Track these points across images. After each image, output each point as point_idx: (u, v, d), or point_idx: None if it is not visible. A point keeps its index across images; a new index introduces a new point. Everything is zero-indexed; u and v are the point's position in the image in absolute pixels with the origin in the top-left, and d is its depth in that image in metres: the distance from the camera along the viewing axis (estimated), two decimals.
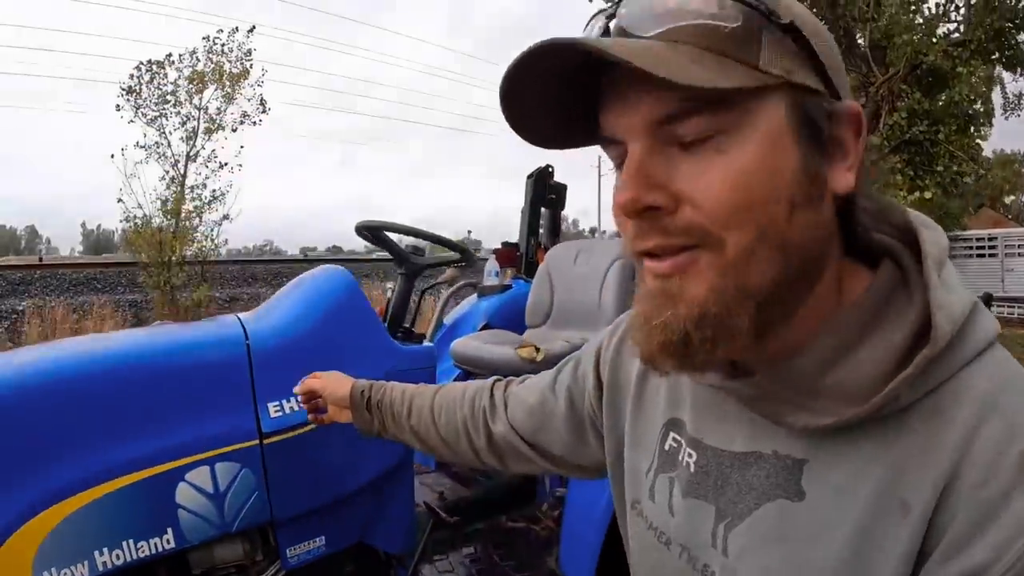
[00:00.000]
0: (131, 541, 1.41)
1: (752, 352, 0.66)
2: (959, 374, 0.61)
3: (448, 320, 3.30)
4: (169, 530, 1.46)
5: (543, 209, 3.84)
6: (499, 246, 3.79)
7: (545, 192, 3.75)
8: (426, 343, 2.12)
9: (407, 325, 2.12)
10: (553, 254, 3.18)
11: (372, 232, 2.06)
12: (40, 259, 21.73)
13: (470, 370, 2.70)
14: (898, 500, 0.59)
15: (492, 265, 3.47)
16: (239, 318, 1.81)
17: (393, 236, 2.12)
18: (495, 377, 1.26)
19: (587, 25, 0.71)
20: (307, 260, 20.93)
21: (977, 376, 0.61)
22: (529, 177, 3.71)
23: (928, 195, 10.49)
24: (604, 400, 0.97)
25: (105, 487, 1.39)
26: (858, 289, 0.68)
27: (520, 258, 3.76)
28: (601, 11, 0.69)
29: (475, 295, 3.39)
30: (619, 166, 0.68)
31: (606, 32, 0.67)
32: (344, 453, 1.71)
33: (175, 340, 1.71)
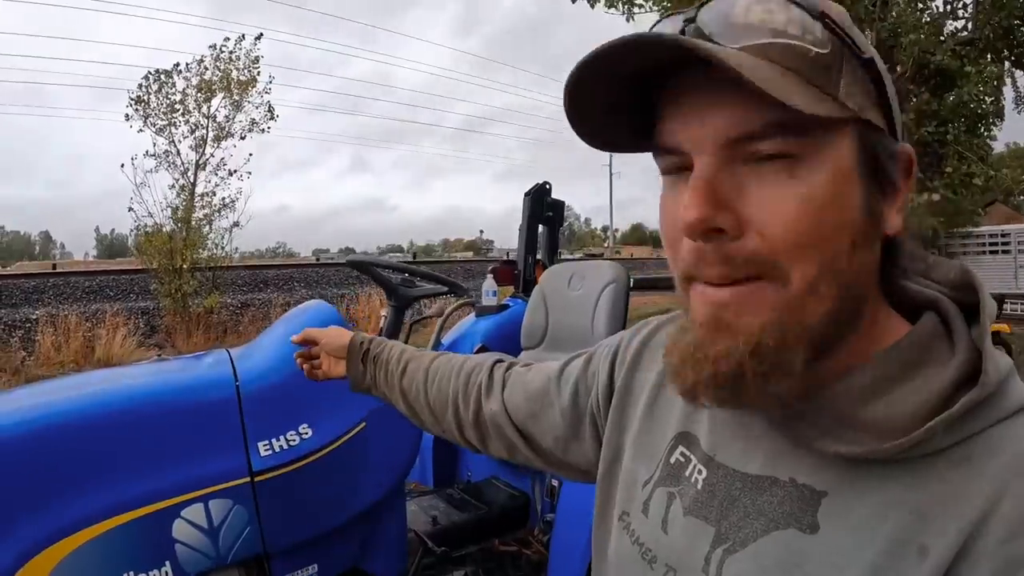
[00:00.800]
0: (131, 574, 1.47)
1: (799, 388, 0.63)
2: (994, 429, 0.60)
3: (446, 340, 3.32)
4: (167, 563, 1.52)
5: (541, 226, 3.84)
6: (497, 264, 3.83)
7: (543, 209, 3.76)
8: None
9: None
10: (547, 277, 3.21)
11: (360, 268, 2.10)
12: (54, 266, 21.91)
13: None
14: (917, 544, 0.57)
15: (489, 284, 3.49)
16: (230, 356, 1.86)
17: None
18: (497, 355, 1.23)
19: (655, 25, 0.68)
20: (320, 264, 20.97)
21: (1013, 433, 0.60)
22: (527, 194, 3.72)
23: (936, 197, 10.43)
24: (613, 403, 0.94)
25: (105, 524, 1.45)
26: (892, 333, 0.67)
27: (518, 276, 3.78)
28: (675, 13, 0.66)
29: (472, 315, 3.43)
30: (667, 173, 0.68)
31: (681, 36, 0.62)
32: (336, 487, 1.76)
33: (168, 383, 1.76)
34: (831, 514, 0.63)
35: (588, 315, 2.87)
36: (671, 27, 0.64)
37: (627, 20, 11.18)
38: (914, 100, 10.54)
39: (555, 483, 2.57)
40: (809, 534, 0.63)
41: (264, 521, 1.63)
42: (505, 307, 3.41)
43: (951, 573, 0.55)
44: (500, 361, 1.20)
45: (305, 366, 1.45)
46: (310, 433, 1.71)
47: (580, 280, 3.04)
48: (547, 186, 3.76)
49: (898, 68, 10.50)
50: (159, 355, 2.54)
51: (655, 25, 0.68)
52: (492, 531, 2.58)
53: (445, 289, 2.25)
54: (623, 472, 0.88)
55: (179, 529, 1.54)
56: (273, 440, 1.66)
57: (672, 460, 0.81)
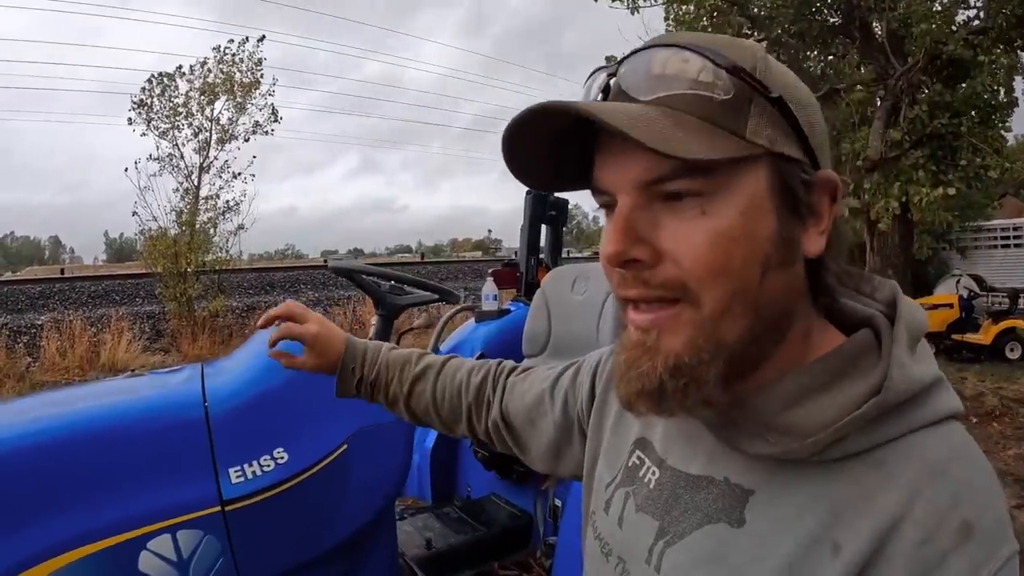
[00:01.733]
0: None
1: (719, 397, 0.68)
2: (911, 437, 0.65)
3: (444, 347, 3.16)
4: None
5: (544, 226, 3.68)
6: (498, 267, 3.68)
7: (545, 209, 3.61)
8: None
9: None
10: (550, 280, 3.04)
11: (345, 275, 1.96)
12: (62, 271, 21.89)
13: None
14: (831, 541, 0.63)
15: (490, 288, 3.32)
16: (202, 373, 1.72)
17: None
18: (497, 361, 1.26)
19: (589, 78, 0.76)
20: (327, 267, 20.85)
21: (929, 443, 0.65)
22: (528, 193, 3.57)
23: (952, 191, 10.27)
24: (592, 412, 1.00)
25: (66, 557, 1.34)
26: (825, 346, 0.73)
27: (520, 279, 3.62)
28: (602, 68, 0.74)
29: (472, 320, 3.28)
30: (603, 207, 0.73)
31: (607, 89, 0.72)
32: (316, 515, 1.63)
33: (131, 403, 1.62)
34: (757, 510, 0.69)
35: (593, 321, 2.69)
36: (600, 80, 0.74)
37: (632, 13, 11.01)
38: (926, 92, 10.35)
39: (558, 503, 2.43)
40: (736, 528, 0.70)
41: (237, 553, 1.50)
42: (506, 312, 3.25)
43: (867, 572, 0.60)
44: (500, 368, 1.23)
45: (283, 360, 1.29)
46: (286, 458, 1.58)
47: (584, 283, 2.86)
48: None
49: (909, 59, 10.35)
50: (133, 371, 2.40)
51: (591, 76, 0.76)
52: (491, 554, 2.44)
53: (436, 297, 2.10)
54: (596, 476, 0.95)
55: (145, 562, 1.42)
56: (245, 466, 1.53)
57: (630, 463, 0.88)
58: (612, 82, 0.71)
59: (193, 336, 11.28)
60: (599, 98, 0.73)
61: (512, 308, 3.30)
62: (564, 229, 3.81)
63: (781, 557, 0.65)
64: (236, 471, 1.52)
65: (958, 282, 11.25)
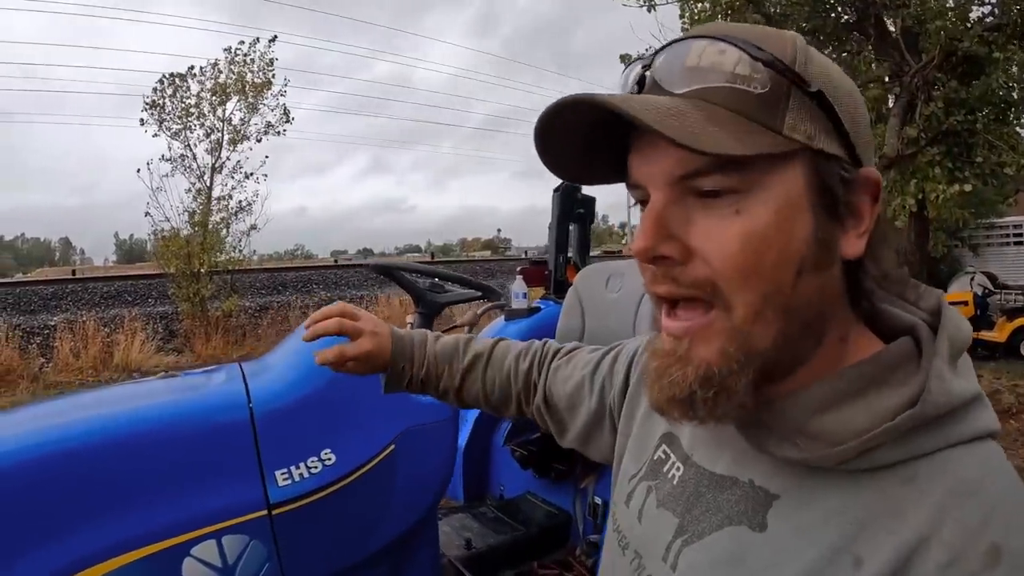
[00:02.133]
0: None
1: (750, 403, 0.67)
2: (945, 452, 0.62)
3: None
4: None
5: (571, 224, 3.62)
6: (526, 264, 3.63)
7: (573, 206, 3.55)
8: None
9: None
10: (583, 277, 2.97)
11: (385, 272, 1.92)
12: (73, 272, 21.92)
13: None
14: (853, 555, 0.61)
15: (519, 286, 3.27)
16: (242, 372, 1.68)
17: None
18: (543, 342, 1.27)
19: (625, 70, 0.73)
20: (338, 266, 20.88)
21: (964, 460, 0.62)
22: (556, 191, 3.50)
23: (968, 187, 10.21)
24: (625, 404, 1.00)
25: (108, 564, 1.30)
26: (862, 352, 0.70)
27: (548, 277, 3.56)
28: (638, 59, 0.72)
29: (502, 318, 3.22)
30: (639, 203, 0.71)
31: (641, 81, 0.70)
32: (363, 517, 1.59)
33: (173, 405, 1.58)
34: (780, 516, 0.68)
35: (629, 319, 2.62)
36: (635, 72, 0.71)
37: (648, 11, 10.96)
38: (942, 88, 10.29)
39: (598, 500, 2.39)
40: (757, 532, 0.68)
41: (284, 557, 1.45)
42: (536, 310, 3.19)
43: None
44: (545, 352, 1.24)
45: (331, 366, 1.20)
46: (333, 459, 1.53)
47: (619, 280, 2.78)
48: None
49: (923, 56, 10.28)
50: (165, 371, 2.34)
51: (626, 69, 0.74)
52: (530, 553, 2.40)
53: (478, 294, 2.06)
54: (621, 470, 0.95)
55: (189, 568, 1.37)
56: (292, 468, 1.49)
57: (655, 457, 0.88)
58: (647, 74, 0.69)
59: (206, 336, 11.32)
60: (634, 91, 0.70)
61: (542, 306, 3.25)
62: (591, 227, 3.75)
63: (800, 566, 0.64)
64: (283, 474, 1.48)
65: (972, 279, 11.18)
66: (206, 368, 1.89)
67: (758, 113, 0.62)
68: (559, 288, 3.47)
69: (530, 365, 1.22)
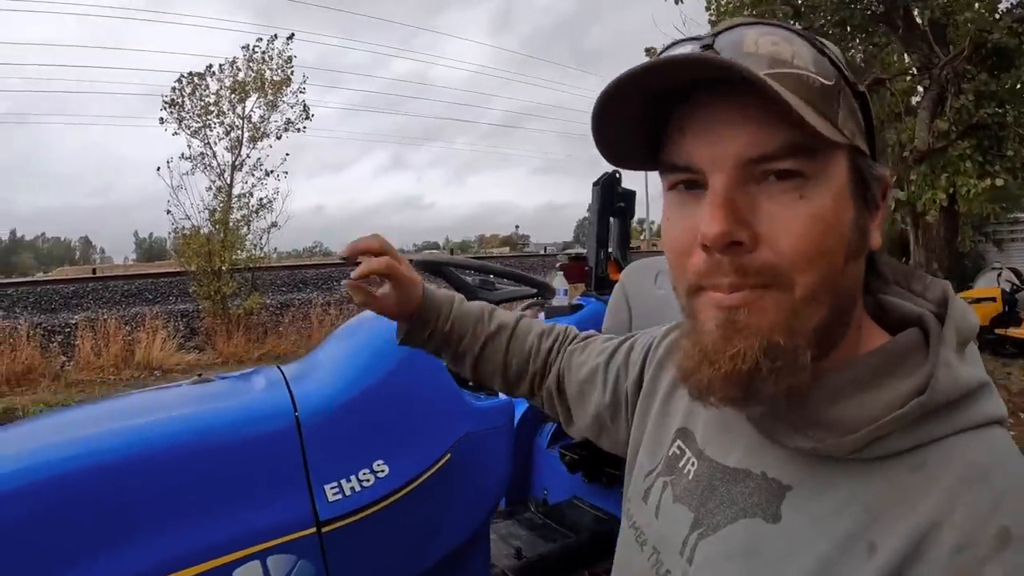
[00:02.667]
0: None
1: (806, 384, 0.66)
2: (953, 439, 0.63)
3: None
4: None
5: (611, 218, 3.46)
6: (566, 260, 3.50)
7: (613, 199, 3.40)
8: (501, 394, 1.81)
9: None
10: (630, 273, 2.82)
11: (431, 268, 1.79)
12: (93, 270, 21.98)
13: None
14: (867, 542, 0.61)
15: (560, 282, 3.14)
16: (283, 376, 1.55)
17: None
18: (565, 327, 1.25)
19: (667, 48, 0.72)
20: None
21: (972, 446, 0.63)
22: (595, 184, 3.36)
23: (1000, 182, 10.07)
24: (639, 400, 0.99)
25: None
26: (871, 343, 0.72)
27: (589, 273, 3.42)
28: (691, 39, 0.71)
29: (541, 316, 3.08)
30: (674, 187, 0.71)
31: None
32: (417, 531, 1.47)
33: (213, 414, 1.44)
34: (793, 506, 0.68)
35: (678, 317, 2.45)
36: (692, 51, 0.68)
37: (676, 3, 10.80)
38: (972, 81, 10.13)
39: None
40: (772, 523, 0.69)
41: None
42: (578, 307, 3.06)
43: (902, 574, 0.59)
44: (567, 335, 1.23)
45: (359, 295, 1.12)
46: (386, 471, 1.42)
47: (667, 278, 2.63)
48: (617, 175, 3.38)
49: (951, 48, 10.14)
50: (200, 374, 2.22)
51: (667, 49, 0.71)
52: (581, 561, 2.26)
53: (533, 291, 1.93)
54: (638, 464, 0.94)
55: None
56: (343, 481, 1.37)
57: (671, 453, 0.87)
58: (708, 52, 0.66)
59: (228, 334, 11.28)
60: None
61: (583, 303, 3.12)
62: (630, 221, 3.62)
63: (815, 555, 0.64)
64: (333, 488, 1.36)
65: (999, 275, 10.99)
66: (242, 372, 1.76)
67: (820, 104, 0.63)
68: (600, 284, 3.34)
69: (551, 345, 1.21)
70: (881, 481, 0.64)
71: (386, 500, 1.40)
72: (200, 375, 1.68)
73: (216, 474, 1.29)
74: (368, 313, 1.71)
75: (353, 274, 1.09)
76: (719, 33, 0.68)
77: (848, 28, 10.83)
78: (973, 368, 0.68)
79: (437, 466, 1.49)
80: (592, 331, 1.23)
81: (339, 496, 1.35)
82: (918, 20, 10.76)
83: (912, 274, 0.78)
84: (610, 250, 3.49)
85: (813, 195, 0.64)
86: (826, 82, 0.65)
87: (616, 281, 3.08)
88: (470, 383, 1.82)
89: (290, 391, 1.45)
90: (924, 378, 0.65)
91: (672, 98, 0.68)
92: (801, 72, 0.64)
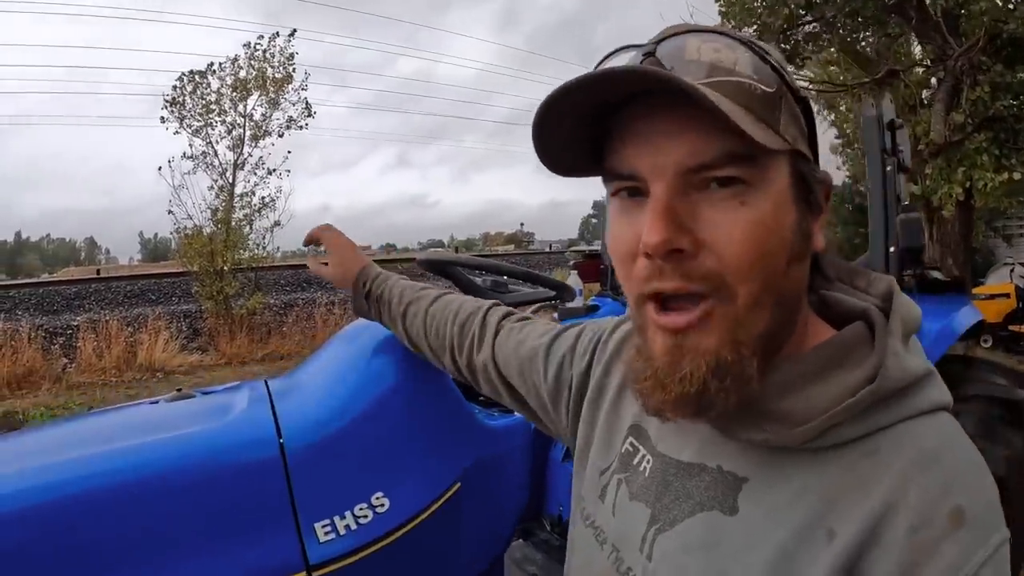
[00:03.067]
0: None
1: (757, 388, 0.67)
2: (903, 425, 0.66)
3: None
4: None
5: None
6: (580, 259, 3.33)
7: None
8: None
9: None
10: None
11: (435, 268, 1.61)
12: (98, 271, 21.90)
13: None
14: (825, 528, 0.63)
15: (574, 282, 2.96)
16: (268, 394, 1.36)
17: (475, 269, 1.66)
18: (492, 302, 1.27)
19: (608, 57, 0.74)
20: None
21: (921, 431, 0.65)
22: None
23: (1017, 175, 9.93)
24: (587, 396, 0.98)
25: None
26: (817, 338, 0.74)
27: (605, 272, 3.24)
28: (632, 46, 0.73)
29: (555, 316, 2.89)
30: (618, 193, 0.71)
31: None
32: (425, 569, 1.27)
33: (183, 442, 1.22)
34: (750, 498, 0.70)
35: None
36: (629, 60, 0.71)
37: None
38: (987, 72, 9.98)
39: None
40: (729, 515, 0.70)
41: None
42: (594, 308, 2.88)
43: (861, 558, 0.61)
44: (495, 307, 1.24)
45: (310, 262, 1.56)
46: (387, 505, 1.23)
47: None
48: None
49: (964, 39, 10.00)
50: (179, 388, 2.02)
51: (608, 58, 0.74)
52: None
53: (551, 293, 1.74)
54: (589, 464, 0.93)
55: None
56: (335, 518, 1.18)
57: (623, 450, 0.88)
58: (646, 61, 0.68)
59: (231, 334, 11.17)
60: None
61: (599, 304, 2.93)
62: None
63: (774, 544, 0.65)
64: (324, 526, 1.17)
65: (1012, 271, 10.84)
66: (227, 386, 1.56)
67: (760, 110, 0.65)
68: (616, 284, 3.12)
69: (471, 313, 1.23)
70: (836, 469, 0.65)
71: (386, 538, 1.20)
72: (179, 389, 1.49)
73: (187, 513, 1.10)
74: (363, 321, 1.54)
75: (302, 242, 1.53)
76: (661, 40, 0.69)
77: (860, 19, 10.67)
78: (919, 358, 0.70)
79: (445, 497, 1.29)
80: (529, 315, 1.22)
81: (332, 536, 1.15)
82: (931, 10, 10.63)
83: (855, 271, 0.80)
84: None
85: (754, 201, 0.65)
86: (767, 89, 0.66)
87: None
88: (480, 397, 1.64)
89: (274, 413, 1.25)
90: (872, 368, 0.67)
91: (613, 105, 0.69)
92: (742, 79, 0.65)
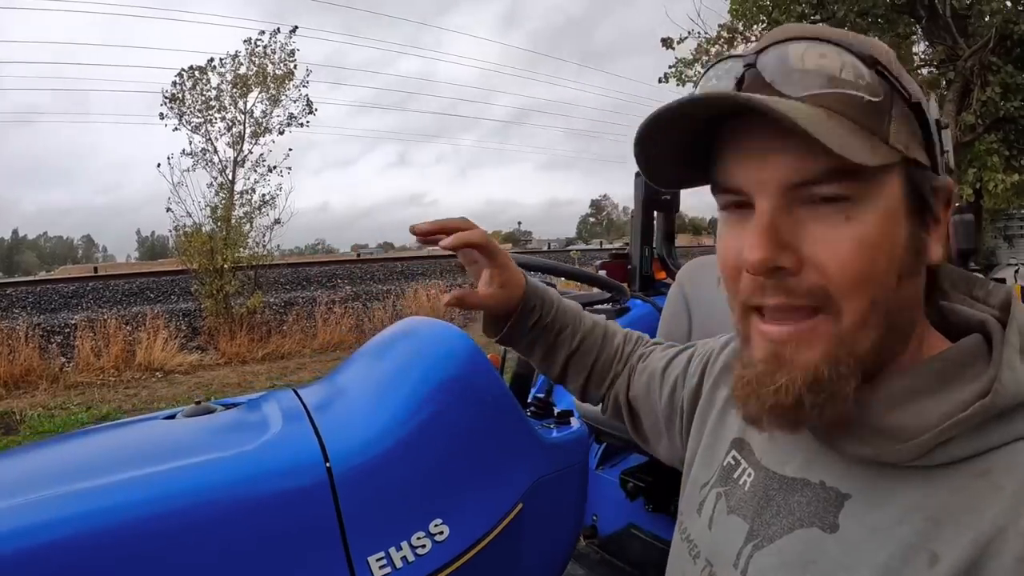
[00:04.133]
0: None
1: (851, 410, 0.66)
2: (1018, 444, 0.61)
3: None
4: None
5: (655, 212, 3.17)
6: (607, 258, 3.20)
7: (658, 192, 3.11)
8: (574, 421, 1.48)
9: (540, 393, 1.52)
10: (689, 273, 2.49)
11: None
12: (95, 269, 21.79)
13: (601, 430, 2.11)
14: (928, 551, 0.60)
15: None
16: (305, 408, 1.22)
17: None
18: (639, 334, 1.25)
19: (711, 68, 0.73)
20: (361, 260, 20.62)
21: None
22: (638, 175, 3.03)
23: None
24: (697, 412, 0.98)
25: None
26: (933, 351, 0.70)
27: (632, 272, 3.12)
28: (733, 56, 0.71)
29: None
30: (726, 208, 0.71)
31: (741, 80, 0.68)
32: None
33: (221, 470, 1.06)
34: (852, 515, 0.67)
35: None
36: (730, 71, 0.70)
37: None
38: (997, 73, 9.96)
39: None
40: (829, 533, 0.68)
41: None
42: (625, 310, 2.76)
43: None
44: (643, 341, 1.23)
45: (454, 296, 1.09)
46: (446, 533, 1.09)
47: None
48: None
49: (973, 39, 9.99)
50: (198, 400, 1.83)
51: (711, 67, 0.73)
52: None
53: (605, 296, 1.61)
54: (691, 478, 0.93)
55: None
56: (391, 551, 1.04)
57: (725, 463, 0.86)
58: (747, 73, 0.68)
59: (231, 334, 11.03)
60: (734, 89, 0.68)
61: (629, 305, 2.81)
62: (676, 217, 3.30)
63: (874, 566, 0.63)
64: (379, 560, 1.03)
65: (1016, 272, 10.80)
66: (251, 396, 1.39)
67: (866, 120, 0.63)
68: (645, 284, 3.07)
69: (632, 350, 1.20)
70: (944, 489, 0.62)
71: (445, 569, 1.07)
72: (199, 402, 1.35)
73: (222, 552, 0.97)
74: (409, 322, 1.40)
75: (443, 243, 1.04)
76: (763, 49, 0.68)
77: (869, 19, 10.66)
78: None
79: (507, 520, 1.16)
80: (657, 338, 1.21)
81: (388, 570, 1.02)
82: (941, 10, 10.62)
83: (974, 280, 0.77)
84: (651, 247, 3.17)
85: (860, 217, 0.63)
86: (873, 98, 0.63)
87: (661, 280, 2.79)
88: (531, 407, 1.51)
89: (316, 432, 1.12)
90: (987, 383, 0.63)
91: (718, 121, 0.69)
92: (847, 91, 0.63)
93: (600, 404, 1.21)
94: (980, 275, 0.79)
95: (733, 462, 0.85)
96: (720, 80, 0.70)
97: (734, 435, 0.88)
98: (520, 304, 1.11)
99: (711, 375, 0.99)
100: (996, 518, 0.58)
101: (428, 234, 1.05)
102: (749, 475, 0.81)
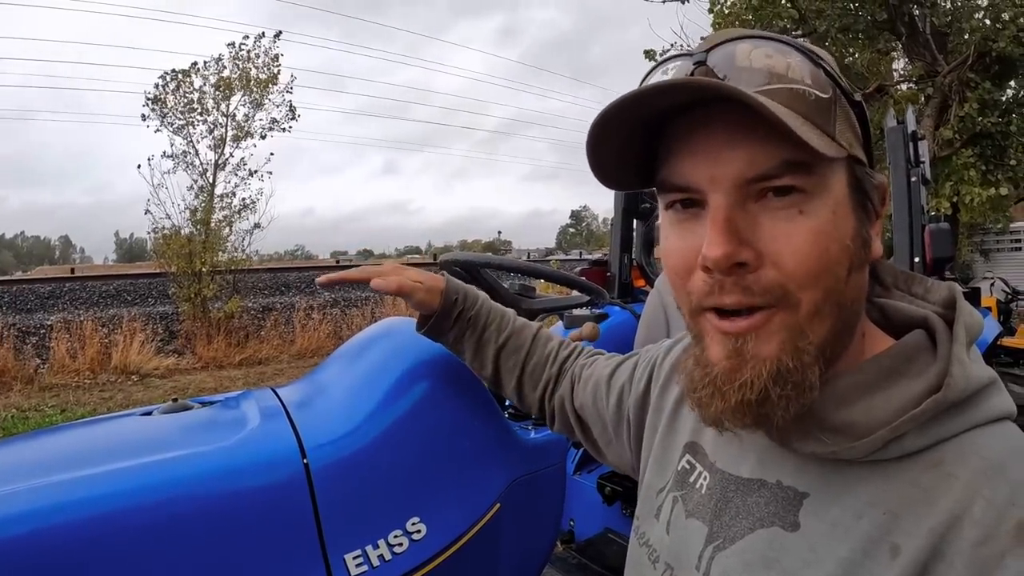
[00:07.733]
0: None
1: (817, 397, 0.66)
2: (967, 434, 0.64)
3: None
4: None
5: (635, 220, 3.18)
6: (587, 265, 3.22)
7: (638, 200, 3.15)
8: None
9: None
10: (666, 279, 2.49)
11: (465, 268, 1.48)
12: (72, 270, 21.57)
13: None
14: (889, 543, 0.62)
15: None
16: (283, 405, 1.21)
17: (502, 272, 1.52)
18: (573, 344, 1.27)
19: (660, 65, 0.72)
20: (340, 266, 20.54)
21: (986, 441, 0.64)
22: None
23: (1004, 191, 10.06)
24: (647, 420, 0.99)
25: None
26: (876, 347, 0.72)
27: (612, 279, 3.15)
28: (683, 54, 0.71)
29: (559, 324, 2.78)
30: (672, 206, 0.70)
31: (693, 76, 0.67)
32: None
33: (197, 464, 1.05)
34: (811, 513, 0.68)
35: None
36: (680, 69, 0.69)
37: (683, 2, 10.63)
38: (975, 89, 10.11)
39: None
40: (790, 531, 0.68)
41: None
42: (603, 316, 2.76)
43: (926, 573, 0.59)
44: (580, 350, 1.25)
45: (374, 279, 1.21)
46: (423, 531, 1.09)
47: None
48: None
49: (951, 56, 10.12)
50: (175, 398, 1.83)
51: (659, 66, 0.72)
52: None
53: (585, 299, 1.62)
54: (645, 483, 0.94)
55: None
56: (368, 548, 1.04)
57: (679, 468, 0.87)
58: (697, 70, 0.67)
59: (208, 338, 10.96)
60: None
61: (607, 312, 2.82)
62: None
63: (837, 561, 0.64)
64: (356, 558, 1.03)
65: (991, 285, 10.95)
66: (228, 395, 1.39)
67: (816, 116, 0.64)
68: (624, 291, 3.11)
69: (569, 354, 1.23)
70: (899, 482, 0.64)
71: (423, 568, 1.07)
72: (175, 399, 1.34)
73: (197, 547, 0.96)
74: (388, 322, 1.40)
75: (318, 280, 1.25)
76: (711, 48, 0.68)
77: (851, 35, 10.80)
78: (983, 366, 0.68)
79: (485, 520, 1.16)
80: (598, 350, 1.22)
81: (364, 568, 1.02)
82: (921, 28, 10.77)
83: (912, 278, 0.79)
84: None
85: (813, 210, 0.63)
86: (821, 95, 0.65)
87: (640, 288, 2.81)
88: (510, 409, 1.52)
89: (294, 428, 1.12)
90: (936, 377, 0.66)
91: (666, 117, 0.68)
92: (796, 86, 0.64)
93: (540, 413, 1.22)
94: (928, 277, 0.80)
95: (688, 466, 0.86)
96: (670, 77, 0.69)
97: (686, 439, 0.88)
98: (442, 298, 1.21)
99: (658, 380, 0.99)
100: (951, 507, 0.60)
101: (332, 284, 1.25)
102: (705, 478, 0.82)
